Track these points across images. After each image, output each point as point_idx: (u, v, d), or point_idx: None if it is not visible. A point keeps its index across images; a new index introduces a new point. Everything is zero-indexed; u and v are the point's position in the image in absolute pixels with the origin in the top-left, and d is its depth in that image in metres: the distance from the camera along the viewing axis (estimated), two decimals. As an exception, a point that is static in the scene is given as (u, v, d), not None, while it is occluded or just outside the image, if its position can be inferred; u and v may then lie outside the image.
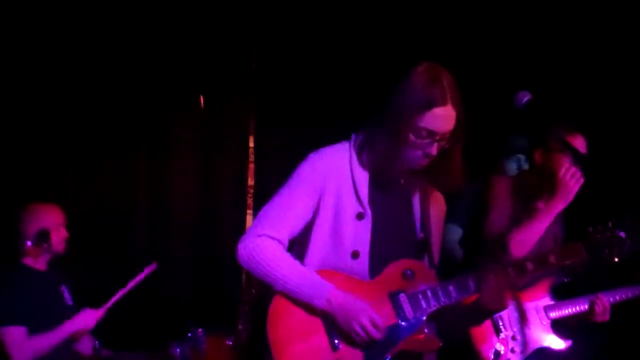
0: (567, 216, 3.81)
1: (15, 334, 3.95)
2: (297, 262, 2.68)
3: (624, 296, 3.84)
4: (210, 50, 5.73)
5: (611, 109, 4.90)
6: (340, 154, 2.74)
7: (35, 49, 5.21)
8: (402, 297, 2.63)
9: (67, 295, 4.30)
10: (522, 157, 4.52)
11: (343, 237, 2.67)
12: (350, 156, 2.72)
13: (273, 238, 2.69)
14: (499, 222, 3.60)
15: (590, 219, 4.00)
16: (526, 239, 3.45)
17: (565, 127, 3.58)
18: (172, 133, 5.82)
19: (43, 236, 4.16)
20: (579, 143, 3.62)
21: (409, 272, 2.66)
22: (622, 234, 2.78)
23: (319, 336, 2.59)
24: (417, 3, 5.47)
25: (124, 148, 5.63)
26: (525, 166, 4.47)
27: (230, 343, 4.59)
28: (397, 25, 5.53)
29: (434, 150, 2.62)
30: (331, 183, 2.69)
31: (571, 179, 3.44)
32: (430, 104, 2.57)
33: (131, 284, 4.43)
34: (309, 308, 2.61)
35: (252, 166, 5.78)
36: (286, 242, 2.73)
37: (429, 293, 2.64)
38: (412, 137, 2.60)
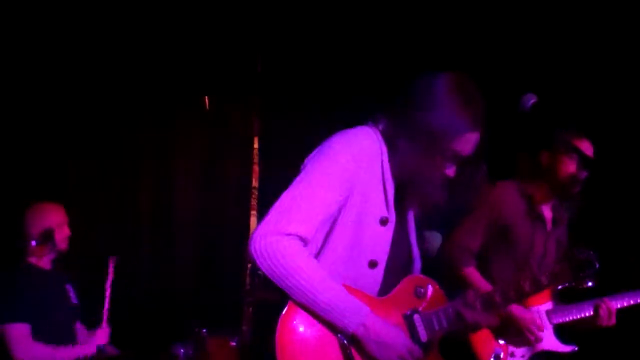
0: (571, 219, 3.80)
1: (19, 331, 3.95)
2: (327, 276, 2.36)
3: (631, 301, 3.76)
4: (215, 52, 5.73)
5: (617, 112, 4.89)
6: (375, 145, 2.48)
7: (41, 51, 5.22)
8: (417, 319, 2.52)
9: (72, 294, 4.32)
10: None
11: (363, 243, 2.45)
12: (382, 151, 2.50)
13: (302, 238, 2.35)
14: (466, 239, 3.64)
15: (593, 223, 4.01)
16: None
17: (572, 130, 3.57)
18: (176, 134, 5.83)
19: (47, 236, 4.18)
20: (586, 146, 3.62)
21: (421, 290, 2.57)
22: (593, 256, 2.76)
23: (334, 355, 2.37)
24: (422, 6, 5.46)
25: (128, 149, 5.63)
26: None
27: (234, 344, 4.59)
28: (401, 29, 5.52)
29: (452, 172, 2.52)
30: (363, 176, 2.44)
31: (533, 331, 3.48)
32: (465, 128, 2.45)
33: (108, 288, 4.39)
34: (333, 328, 2.36)
35: (256, 168, 5.78)
36: (310, 241, 2.41)
37: (441, 314, 2.53)
38: (439, 158, 2.47)
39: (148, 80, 5.62)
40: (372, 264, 2.47)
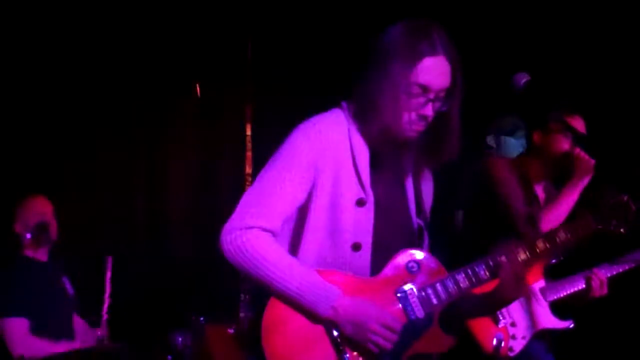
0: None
1: (17, 326, 3.95)
2: (296, 261, 2.32)
3: (620, 269, 3.72)
4: (206, 38, 5.71)
5: (610, 90, 4.89)
6: (338, 126, 2.40)
7: (30, 48, 5.20)
8: (411, 295, 2.35)
9: (67, 285, 4.32)
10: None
11: (342, 227, 2.35)
12: (349, 129, 2.40)
13: (266, 230, 2.32)
14: (517, 199, 3.55)
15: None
16: (558, 215, 3.47)
17: (564, 108, 3.56)
18: (168, 121, 5.82)
19: (42, 228, 4.17)
20: (578, 124, 3.61)
21: (414, 264, 2.40)
22: (628, 199, 2.56)
23: (323, 347, 2.28)
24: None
25: (121, 137, 5.62)
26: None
27: (232, 331, 4.59)
28: (392, 13, 5.48)
29: (428, 110, 2.34)
30: (328, 160, 2.35)
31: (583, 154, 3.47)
32: (419, 55, 2.32)
33: (108, 288, 4.37)
34: (311, 315, 2.29)
35: (249, 154, 5.75)
36: (279, 232, 2.36)
37: (438, 287, 2.37)
38: (403, 96, 2.32)
39: (140, 68, 5.60)
40: (355, 247, 2.37)
